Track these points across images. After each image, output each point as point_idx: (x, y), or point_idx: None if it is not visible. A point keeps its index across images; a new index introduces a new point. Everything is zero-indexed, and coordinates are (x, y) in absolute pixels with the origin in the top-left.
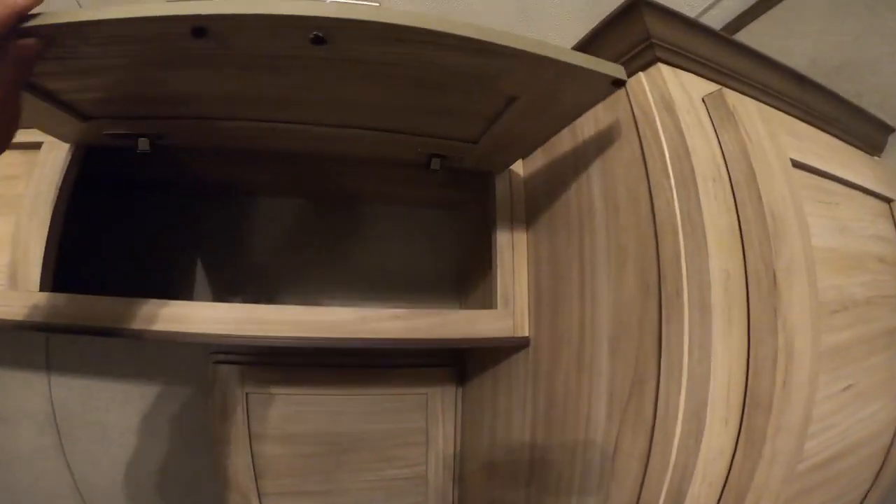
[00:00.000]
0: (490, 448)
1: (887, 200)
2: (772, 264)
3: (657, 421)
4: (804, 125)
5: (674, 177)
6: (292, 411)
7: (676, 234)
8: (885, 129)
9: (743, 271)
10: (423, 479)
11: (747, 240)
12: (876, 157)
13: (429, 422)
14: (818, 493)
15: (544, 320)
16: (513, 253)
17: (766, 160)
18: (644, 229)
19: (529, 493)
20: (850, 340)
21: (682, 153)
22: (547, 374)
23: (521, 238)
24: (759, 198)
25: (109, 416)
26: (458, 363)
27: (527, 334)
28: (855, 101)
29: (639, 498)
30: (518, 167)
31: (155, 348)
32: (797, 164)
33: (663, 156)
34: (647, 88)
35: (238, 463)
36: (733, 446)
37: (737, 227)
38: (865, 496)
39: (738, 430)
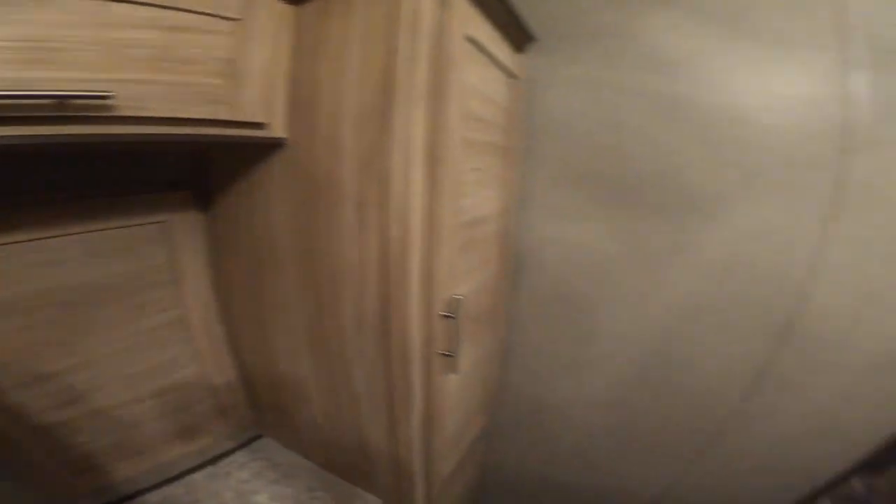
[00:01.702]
0: (254, 265)
1: (514, 76)
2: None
3: (393, 174)
4: (490, 25)
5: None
6: None
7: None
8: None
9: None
10: (184, 322)
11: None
12: (519, 54)
13: (174, 254)
14: (472, 252)
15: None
16: None
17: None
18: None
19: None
20: (479, 140)
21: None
22: (305, 165)
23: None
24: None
25: None
26: (199, 186)
27: (283, 135)
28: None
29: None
30: None
31: None
32: (469, 39)
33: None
34: None
35: None
36: (428, 188)
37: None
38: (498, 265)
39: (428, 179)
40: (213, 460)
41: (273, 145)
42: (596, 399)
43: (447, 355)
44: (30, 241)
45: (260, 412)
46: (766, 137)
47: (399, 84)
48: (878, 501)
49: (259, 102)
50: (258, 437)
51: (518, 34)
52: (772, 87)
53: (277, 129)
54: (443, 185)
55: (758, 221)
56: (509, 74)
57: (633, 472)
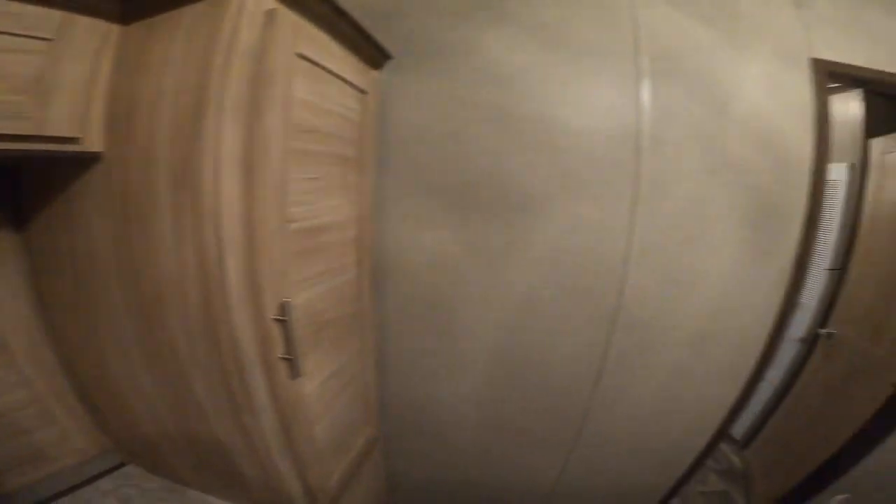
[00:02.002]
0: (79, 283)
1: (363, 91)
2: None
3: (204, 184)
4: (335, 44)
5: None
6: None
7: None
8: (385, 56)
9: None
10: (2, 346)
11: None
12: (374, 70)
13: None
14: (317, 258)
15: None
16: None
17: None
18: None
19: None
20: (316, 150)
21: None
22: (123, 179)
23: None
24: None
25: None
26: (12, 203)
27: (99, 149)
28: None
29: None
30: None
31: None
32: (302, 56)
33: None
34: None
35: None
36: (245, 197)
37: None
38: (357, 272)
39: (245, 188)
40: (71, 489)
41: (89, 160)
42: (473, 396)
43: (287, 359)
44: None
45: (117, 437)
46: (579, 141)
47: (211, 99)
48: (754, 472)
49: (70, 117)
50: (121, 465)
51: (371, 52)
52: (582, 95)
53: (92, 144)
54: (262, 193)
55: (576, 217)
56: (359, 90)
57: (525, 464)
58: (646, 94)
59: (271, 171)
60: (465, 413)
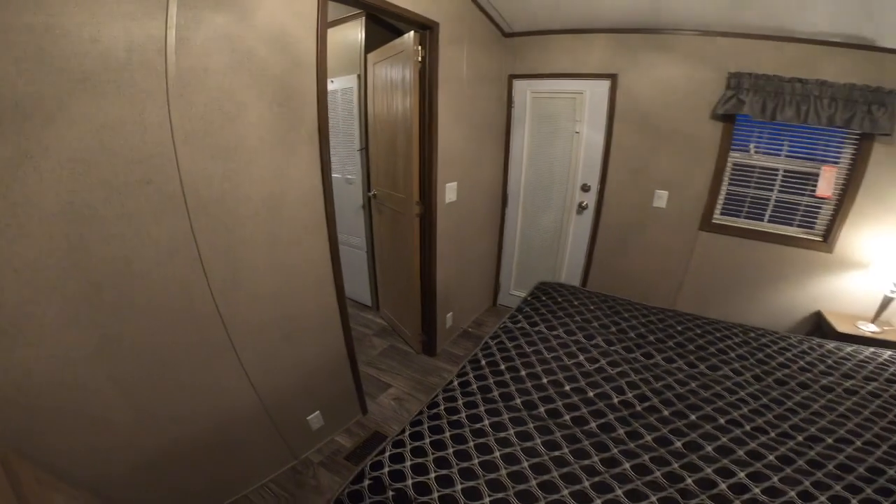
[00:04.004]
0: None
1: None
2: None
3: None
4: None
5: None
6: None
7: None
8: None
9: None
10: None
11: None
12: None
13: None
14: None
15: None
16: None
17: None
18: None
19: None
20: None
21: None
22: None
23: None
24: None
25: None
26: None
27: None
28: None
29: None
30: None
31: None
32: None
33: None
34: None
35: None
36: None
37: None
38: None
39: None
40: None
41: None
42: (74, 354)
43: None
44: None
45: None
46: (91, 48)
47: None
48: (395, 322)
49: None
50: None
51: None
52: (97, 6)
53: None
54: None
55: (106, 117)
56: None
57: (210, 391)
58: (173, 8)
59: None
60: (79, 378)
